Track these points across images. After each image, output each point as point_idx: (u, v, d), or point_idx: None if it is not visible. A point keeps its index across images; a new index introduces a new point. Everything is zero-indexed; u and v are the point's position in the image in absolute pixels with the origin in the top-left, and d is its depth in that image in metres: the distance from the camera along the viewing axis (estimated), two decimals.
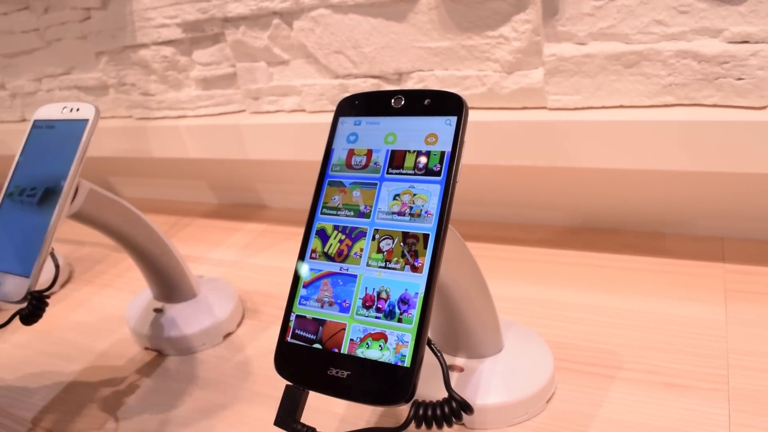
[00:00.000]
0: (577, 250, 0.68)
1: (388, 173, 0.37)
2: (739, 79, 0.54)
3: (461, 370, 0.47)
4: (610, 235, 0.70)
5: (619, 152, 0.59)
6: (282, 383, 0.35)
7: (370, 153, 0.38)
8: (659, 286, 0.59)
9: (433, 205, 0.35)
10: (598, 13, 0.57)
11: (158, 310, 0.64)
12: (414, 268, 0.34)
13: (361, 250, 0.36)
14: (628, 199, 0.68)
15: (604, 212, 0.71)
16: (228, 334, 0.64)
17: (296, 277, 0.37)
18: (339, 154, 0.39)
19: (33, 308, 0.48)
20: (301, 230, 0.39)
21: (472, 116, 0.66)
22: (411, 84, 0.70)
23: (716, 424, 0.43)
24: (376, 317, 0.34)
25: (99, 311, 0.74)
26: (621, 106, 0.60)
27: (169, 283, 0.63)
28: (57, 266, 0.50)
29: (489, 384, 0.46)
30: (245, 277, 0.75)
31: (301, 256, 0.38)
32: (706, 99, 0.57)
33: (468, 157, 0.65)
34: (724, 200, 0.64)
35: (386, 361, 0.33)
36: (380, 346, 0.33)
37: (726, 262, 0.61)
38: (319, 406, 0.38)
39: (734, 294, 0.56)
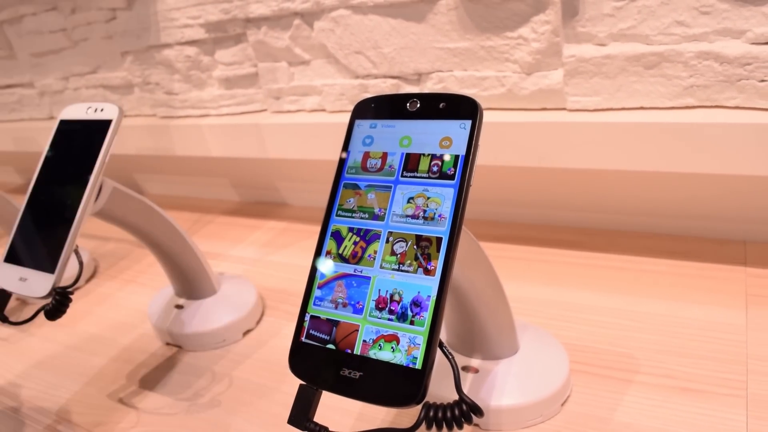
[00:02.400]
0: (596, 251, 0.68)
1: (402, 176, 0.37)
2: (762, 80, 0.53)
3: (476, 371, 0.47)
4: (629, 237, 0.69)
5: (639, 154, 0.58)
6: (298, 381, 0.36)
7: (385, 156, 0.38)
8: (678, 289, 0.59)
9: (446, 209, 0.35)
10: (619, 14, 0.57)
11: (179, 307, 0.65)
12: (427, 271, 0.34)
13: (375, 252, 0.36)
14: (648, 201, 0.68)
15: (622, 214, 0.70)
16: (248, 331, 0.65)
17: (311, 278, 0.38)
18: (355, 157, 0.39)
19: (57, 304, 0.49)
20: None
21: (491, 117, 0.66)
22: (430, 84, 0.70)
23: (733, 430, 0.42)
24: (389, 319, 0.34)
25: (122, 306, 0.75)
26: (641, 108, 0.60)
27: (190, 280, 0.65)
28: (81, 263, 0.52)
29: (504, 386, 0.46)
30: (265, 275, 0.76)
31: (316, 258, 0.38)
32: (728, 101, 0.56)
33: (486, 158, 0.65)
34: (746, 203, 0.63)
35: (398, 362, 0.33)
36: (392, 347, 0.34)
37: (748, 266, 0.60)
38: (333, 404, 0.39)
39: (756, 299, 0.56)
